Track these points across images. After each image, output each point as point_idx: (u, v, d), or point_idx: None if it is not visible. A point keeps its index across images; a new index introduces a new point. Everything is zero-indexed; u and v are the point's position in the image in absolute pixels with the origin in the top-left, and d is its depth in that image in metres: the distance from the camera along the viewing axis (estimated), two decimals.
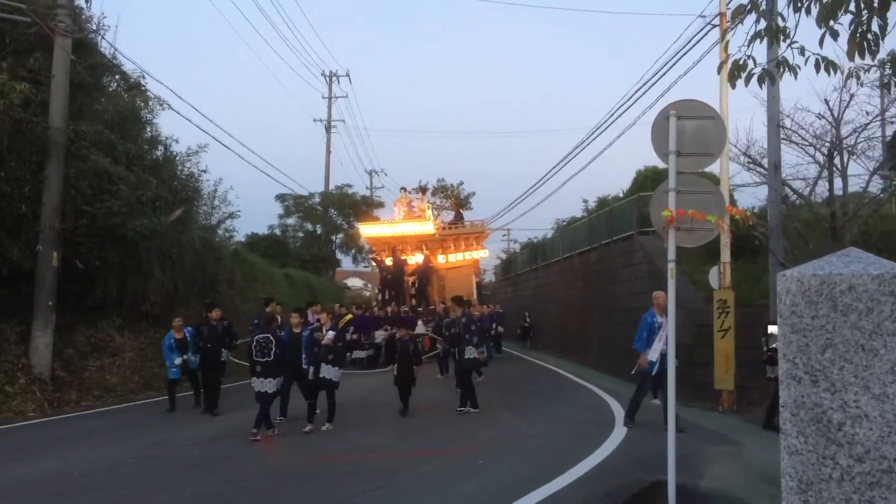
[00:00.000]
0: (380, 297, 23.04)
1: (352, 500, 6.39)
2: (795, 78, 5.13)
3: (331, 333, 10.11)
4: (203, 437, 9.15)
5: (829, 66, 5.03)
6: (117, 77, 16.96)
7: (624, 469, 7.46)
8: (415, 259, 23.31)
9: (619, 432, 9.68)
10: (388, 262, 22.77)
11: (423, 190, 28.26)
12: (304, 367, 10.38)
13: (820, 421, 1.92)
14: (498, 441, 9.36)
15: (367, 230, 25.39)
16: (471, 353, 11.74)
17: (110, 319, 15.09)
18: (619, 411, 11.65)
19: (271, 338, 9.52)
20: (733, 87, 4.73)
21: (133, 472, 7.68)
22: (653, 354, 9.64)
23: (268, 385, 9.40)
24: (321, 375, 9.86)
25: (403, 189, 27.32)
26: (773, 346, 2.51)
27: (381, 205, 25.82)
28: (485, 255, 27.41)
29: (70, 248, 13.63)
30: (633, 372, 10.07)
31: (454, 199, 38.08)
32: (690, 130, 6.09)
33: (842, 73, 5.97)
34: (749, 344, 12.41)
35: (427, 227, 24.13)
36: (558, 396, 14.03)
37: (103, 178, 13.99)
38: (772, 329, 2.69)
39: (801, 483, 1.91)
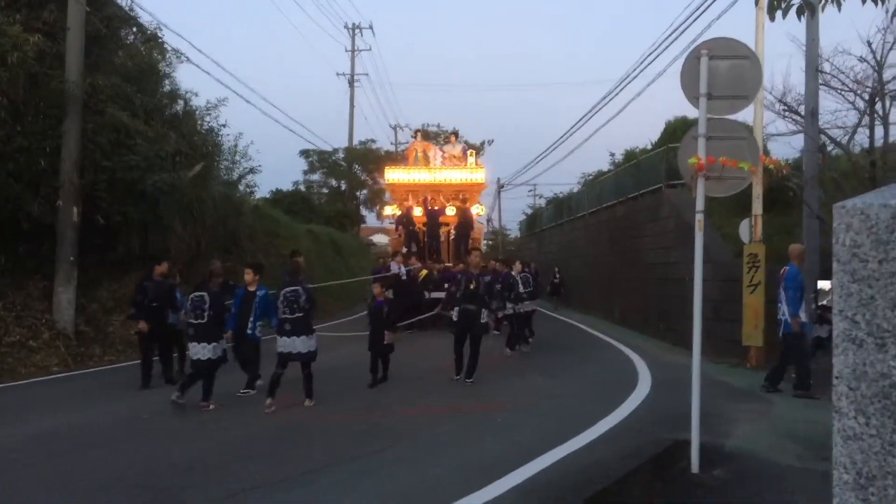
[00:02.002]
0: (405, 250, 20.11)
1: (365, 459, 6.27)
2: (839, 9, 4.71)
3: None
4: (219, 393, 9.09)
5: None
6: (134, 29, 16.65)
7: (645, 428, 7.25)
8: (450, 210, 21.02)
9: (643, 390, 9.47)
10: (418, 212, 20.79)
11: (455, 134, 24.81)
12: (249, 331, 9.29)
13: (888, 397, 1.45)
14: (519, 399, 9.20)
15: (394, 175, 22.28)
16: (485, 316, 10.27)
17: (133, 275, 15.08)
18: (642, 369, 11.44)
19: (206, 296, 8.48)
20: (772, 19, 4.34)
21: (146, 428, 7.66)
22: (804, 314, 9.02)
23: (202, 350, 8.39)
24: (286, 351, 8.40)
25: (418, 132, 25.17)
26: (823, 302, 2.27)
27: (405, 159, 23.65)
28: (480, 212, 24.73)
29: (91, 203, 13.57)
30: (781, 335, 9.23)
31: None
32: (723, 71, 5.69)
33: (886, 11, 5.50)
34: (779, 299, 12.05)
35: (477, 175, 21.87)
36: (582, 353, 13.84)
37: (121, 132, 13.82)
38: (821, 284, 2.43)
39: (861, 476, 1.47)
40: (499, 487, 5.32)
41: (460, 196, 21.20)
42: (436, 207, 20.70)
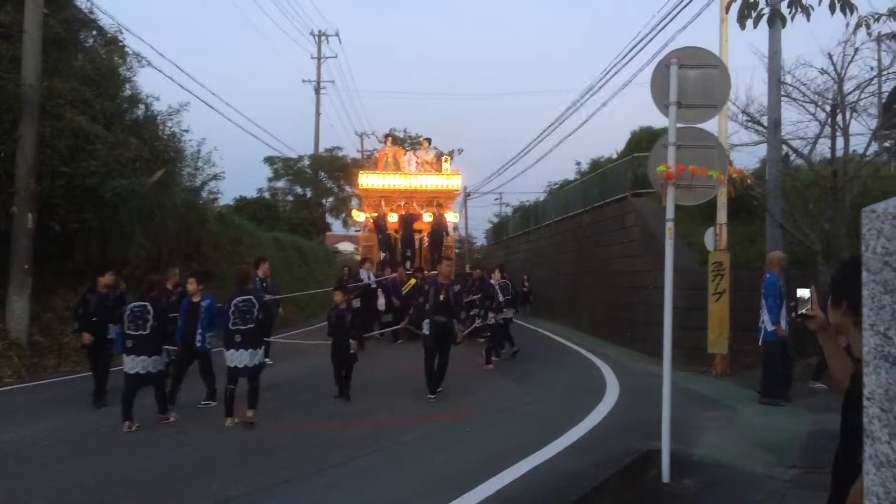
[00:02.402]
0: (383, 256, 19.47)
1: (330, 471, 6.12)
2: (808, 19, 4.74)
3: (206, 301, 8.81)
4: (178, 404, 8.81)
5: (846, 6, 4.65)
6: (94, 32, 16.27)
7: (615, 437, 7.22)
8: (427, 217, 20.40)
9: (611, 398, 9.47)
10: (393, 218, 20.16)
11: (428, 140, 23.20)
12: (199, 344, 8.82)
13: None
14: (487, 407, 9.12)
15: (368, 180, 21.18)
16: (455, 328, 9.82)
17: (91, 284, 14.67)
18: (610, 376, 11.45)
19: (148, 306, 7.92)
20: (742, 27, 4.35)
21: (105, 441, 7.36)
22: (784, 321, 8.93)
23: (140, 364, 7.82)
24: (233, 365, 7.85)
25: (388, 136, 24.51)
26: (802, 311, 2.26)
27: (375, 164, 22.40)
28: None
29: (47, 210, 13.14)
30: (762, 343, 9.26)
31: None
32: (693, 80, 5.71)
33: (847, 24, 5.56)
34: (743, 306, 12.21)
35: (453, 181, 21.27)
36: (550, 361, 13.82)
37: (80, 137, 13.42)
38: (800, 292, 2.40)
39: None
40: (469, 500, 5.22)
41: (434, 202, 20.66)
42: (410, 213, 20.12)
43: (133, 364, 7.85)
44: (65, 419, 8.42)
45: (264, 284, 12.38)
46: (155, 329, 7.92)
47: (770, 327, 9.06)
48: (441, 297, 9.58)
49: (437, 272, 10.52)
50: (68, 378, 11.64)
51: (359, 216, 22.59)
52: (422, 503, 5.25)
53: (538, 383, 10.98)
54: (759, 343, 9.31)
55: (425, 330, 9.61)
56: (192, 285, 9.02)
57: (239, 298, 7.92)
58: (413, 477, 5.96)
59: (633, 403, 9.04)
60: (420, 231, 20.42)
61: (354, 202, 31.20)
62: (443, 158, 22.40)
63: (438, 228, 19.88)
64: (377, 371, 11.64)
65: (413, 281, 17.01)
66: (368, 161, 27.75)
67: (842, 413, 2.31)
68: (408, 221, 19.86)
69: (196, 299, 8.92)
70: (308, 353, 13.17)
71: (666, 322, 5.80)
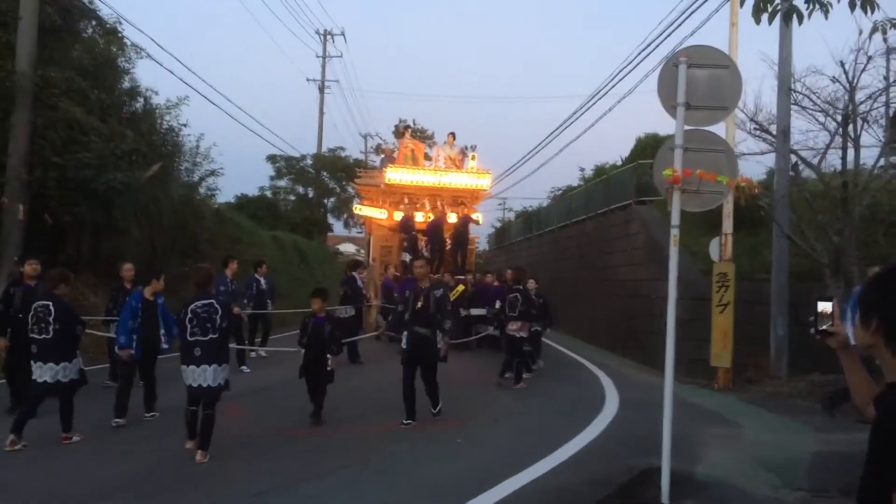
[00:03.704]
0: (409, 259, 17.38)
1: (312, 483, 5.81)
2: (826, 17, 4.47)
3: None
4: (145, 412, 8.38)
5: (867, 4, 4.37)
6: (93, 22, 16.08)
7: (613, 452, 6.93)
8: (452, 217, 18.96)
9: (610, 411, 9.17)
10: (421, 217, 18.81)
11: (452, 135, 20.98)
12: (165, 346, 8.09)
13: None
14: (480, 417, 8.79)
15: (394, 174, 19.34)
16: (439, 341, 8.22)
17: (83, 277, 14.41)
18: (609, 388, 11.15)
19: (50, 306, 6.93)
20: (757, 22, 4.08)
21: (74, 448, 6.93)
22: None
23: (47, 372, 6.85)
24: (195, 384, 6.55)
25: (407, 128, 23.48)
26: (824, 327, 2.08)
27: (393, 159, 20.60)
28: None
29: (39, 201, 12.94)
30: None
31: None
32: (702, 80, 5.43)
33: (860, 32, 5.29)
34: (747, 319, 11.91)
35: (484, 181, 19.87)
36: (547, 371, 13.49)
37: (74, 128, 13.23)
38: (822, 306, 2.21)
39: None
40: None
41: (459, 202, 19.50)
42: (441, 215, 18.93)
43: (40, 371, 6.92)
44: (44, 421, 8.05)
45: (233, 287, 11.80)
46: (58, 332, 6.91)
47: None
48: (419, 304, 8.13)
49: (416, 274, 8.83)
50: None
51: (377, 213, 20.37)
52: None
53: (535, 393, 10.67)
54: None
55: (403, 343, 8.29)
56: (159, 284, 8.19)
57: (198, 303, 6.61)
58: (400, 490, 5.67)
59: (633, 417, 8.75)
60: (444, 233, 19.06)
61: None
62: (469, 155, 21.02)
63: (463, 230, 18.70)
64: (366, 378, 11.35)
65: (461, 287, 15.70)
66: (383, 154, 26.05)
67: (870, 439, 2.04)
68: (438, 224, 18.53)
69: (150, 298, 8.12)
70: (298, 354, 12.86)
71: (669, 333, 5.50)
